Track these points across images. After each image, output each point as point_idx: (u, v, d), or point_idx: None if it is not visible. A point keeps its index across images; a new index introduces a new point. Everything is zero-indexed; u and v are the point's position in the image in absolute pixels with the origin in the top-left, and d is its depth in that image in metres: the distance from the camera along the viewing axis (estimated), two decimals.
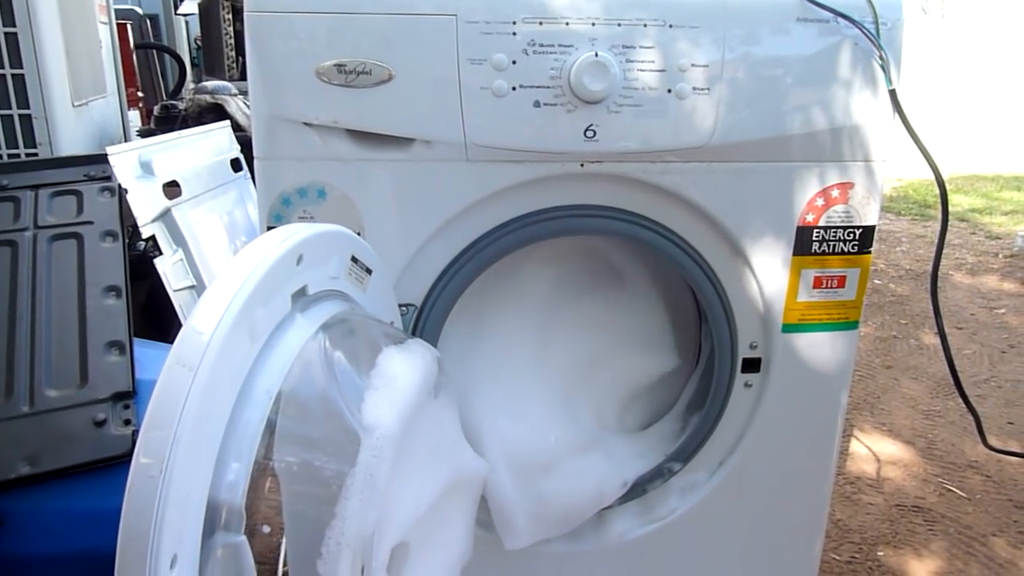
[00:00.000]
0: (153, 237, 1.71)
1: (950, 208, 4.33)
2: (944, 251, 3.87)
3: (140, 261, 1.74)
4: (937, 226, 4.07)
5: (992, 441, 2.06)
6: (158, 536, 0.52)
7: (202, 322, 0.57)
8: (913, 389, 2.36)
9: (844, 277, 1.03)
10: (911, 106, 0.99)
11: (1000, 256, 3.56)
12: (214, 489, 0.59)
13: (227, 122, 2.20)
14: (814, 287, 1.03)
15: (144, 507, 0.52)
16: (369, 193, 0.93)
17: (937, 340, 1.27)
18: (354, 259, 0.80)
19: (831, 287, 1.03)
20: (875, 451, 2.03)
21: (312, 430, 0.70)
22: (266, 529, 0.67)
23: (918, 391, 2.35)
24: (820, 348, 1.05)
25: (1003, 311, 2.96)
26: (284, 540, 0.70)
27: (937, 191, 1.00)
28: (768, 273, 1.01)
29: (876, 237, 1.03)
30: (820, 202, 0.99)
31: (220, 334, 0.57)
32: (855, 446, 2.05)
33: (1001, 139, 6.25)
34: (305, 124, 0.89)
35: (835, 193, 0.99)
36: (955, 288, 3.19)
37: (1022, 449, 1.99)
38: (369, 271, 0.84)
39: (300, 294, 0.70)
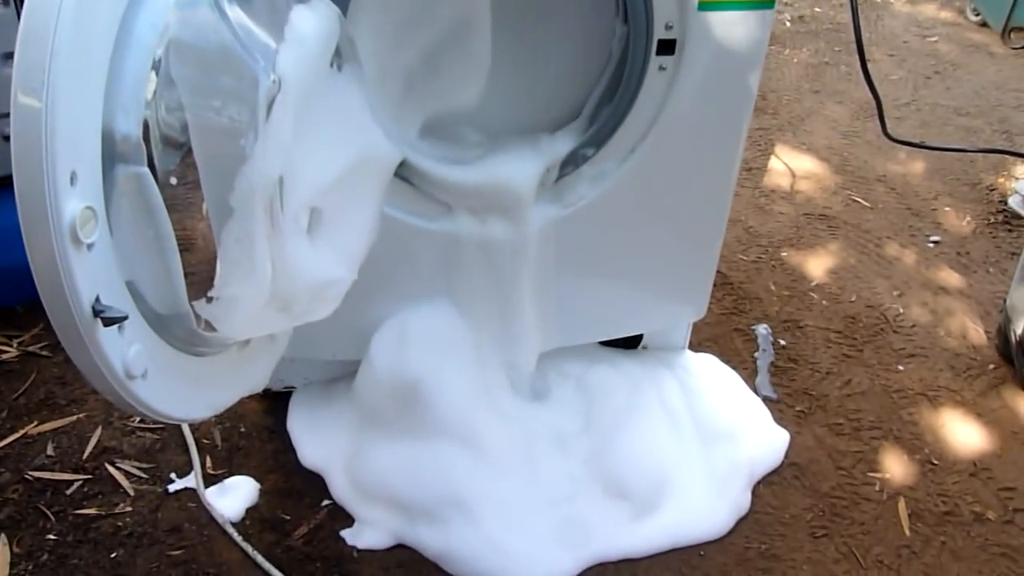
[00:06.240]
0: None
1: None
2: None
3: None
4: None
5: (903, 158, 2.17)
6: (52, 150, 0.53)
7: None
8: (836, 112, 2.41)
9: None
10: None
11: None
12: (107, 119, 0.59)
13: None
14: None
15: (31, 120, 0.52)
16: None
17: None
18: None
19: None
20: (792, 167, 2.12)
21: (212, 76, 0.69)
22: (173, 181, 0.68)
23: (841, 113, 2.40)
24: (735, 27, 1.04)
25: (935, 39, 2.96)
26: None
27: None
28: None
29: None
30: None
31: None
32: (774, 163, 2.13)
33: None
34: None
35: None
36: (893, 17, 3.15)
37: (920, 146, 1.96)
38: None
39: None
